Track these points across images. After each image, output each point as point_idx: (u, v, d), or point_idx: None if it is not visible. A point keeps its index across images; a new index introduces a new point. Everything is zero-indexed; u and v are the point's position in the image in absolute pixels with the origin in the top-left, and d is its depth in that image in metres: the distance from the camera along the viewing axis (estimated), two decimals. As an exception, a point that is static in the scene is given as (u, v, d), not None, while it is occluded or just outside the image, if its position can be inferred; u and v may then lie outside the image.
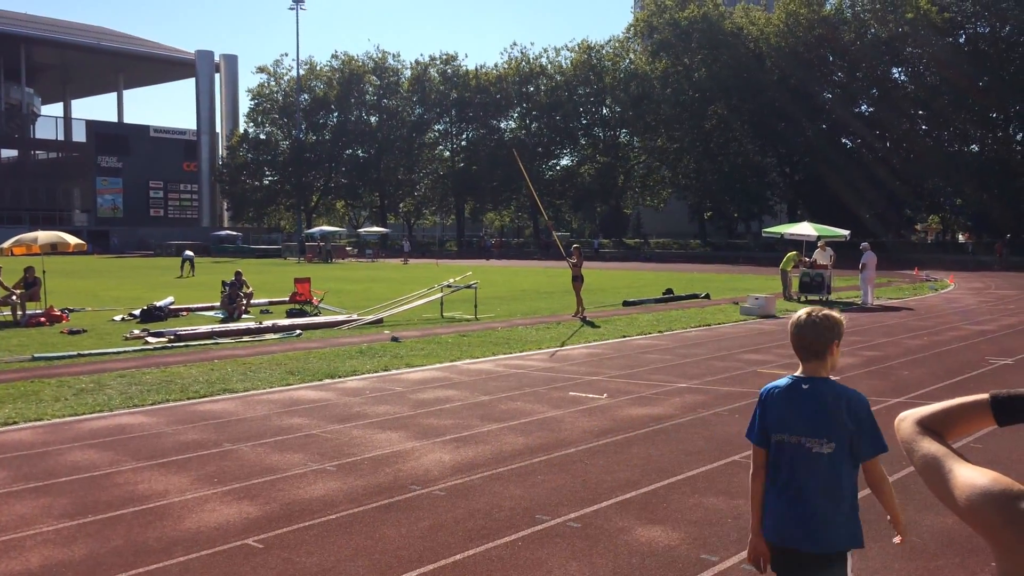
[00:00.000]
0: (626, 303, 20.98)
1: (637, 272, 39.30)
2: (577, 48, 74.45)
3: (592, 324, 16.39)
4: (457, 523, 5.13)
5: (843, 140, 60.75)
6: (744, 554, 4.65)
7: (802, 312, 3.11)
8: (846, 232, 24.13)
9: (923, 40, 53.73)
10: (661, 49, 65.51)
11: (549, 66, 76.26)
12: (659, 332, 15.16)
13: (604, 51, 73.35)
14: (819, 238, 22.99)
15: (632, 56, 71.40)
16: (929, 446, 1.33)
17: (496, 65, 79.58)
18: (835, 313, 3.13)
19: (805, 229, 23.54)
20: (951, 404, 1.39)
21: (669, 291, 23.46)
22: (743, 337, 14.56)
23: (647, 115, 66.34)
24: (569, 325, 16.28)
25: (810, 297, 21.67)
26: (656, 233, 78.38)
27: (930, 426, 1.37)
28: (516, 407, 8.57)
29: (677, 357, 12.08)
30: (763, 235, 27.24)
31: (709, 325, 16.34)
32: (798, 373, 3.09)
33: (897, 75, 58.34)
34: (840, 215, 47.63)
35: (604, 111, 74.70)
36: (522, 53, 77.94)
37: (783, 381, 3.09)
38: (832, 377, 3.09)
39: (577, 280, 17.96)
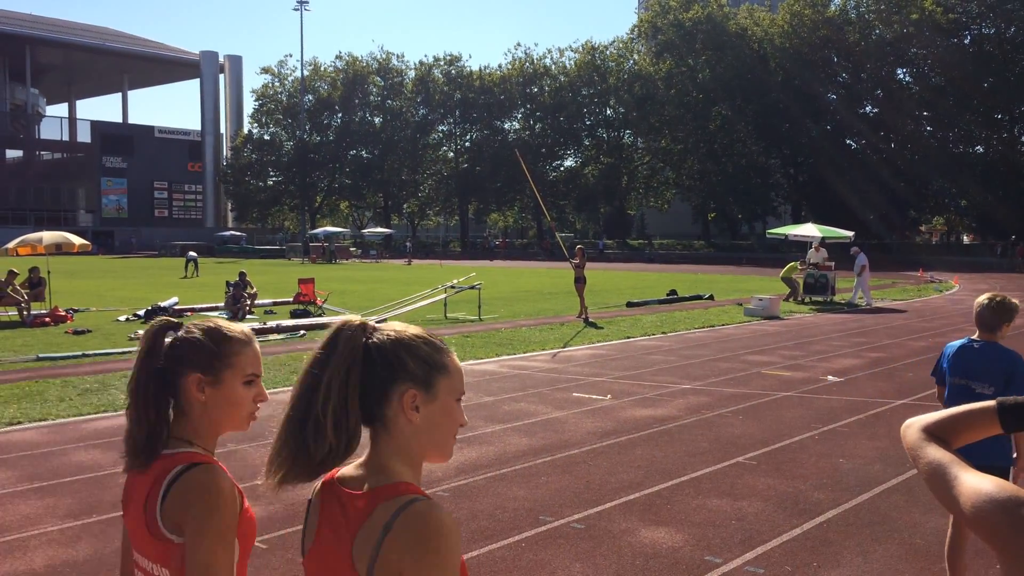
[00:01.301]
0: (630, 304, 20.96)
1: (641, 273, 39.28)
2: (581, 49, 74.47)
3: (595, 325, 16.38)
4: (461, 524, 5.12)
5: (847, 141, 60.65)
6: (749, 555, 4.66)
7: (984, 297, 4.18)
8: (850, 233, 24.10)
9: (928, 41, 53.64)
10: (665, 50, 65.49)
11: (553, 67, 76.28)
12: (663, 333, 15.15)
13: (608, 52, 73.35)
14: (823, 239, 22.97)
15: (636, 57, 71.39)
16: (935, 453, 1.33)
17: (500, 66, 79.57)
18: (1012, 300, 4.17)
19: (809, 230, 23.52)
20: (957, 411, 1.39)
21: (673, 292, 23.44)
22: (747, 338, 14.54)
23: (651, 116, 66.32)
24: (573, 326, 16.28)
25: (814, 298, 21.64)
26: (660, 234, 78.35)
27: (936, 433, 1.37)
28: (520, 408, 8.57)
29: (681, 358, 12.07)
30: (767, 236, 27.23)
31: (713, 326, 16.33)
32: (974, 337, 4.20)
33: (902, 76, 58.26)
34: (844, 216, 47.58)
35: (608, 112, 74.68)
36: (526, 54, 78.05)
37: (960, 341, 4.27)
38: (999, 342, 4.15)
39: (580, 281, 17.85)
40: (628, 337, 14.51)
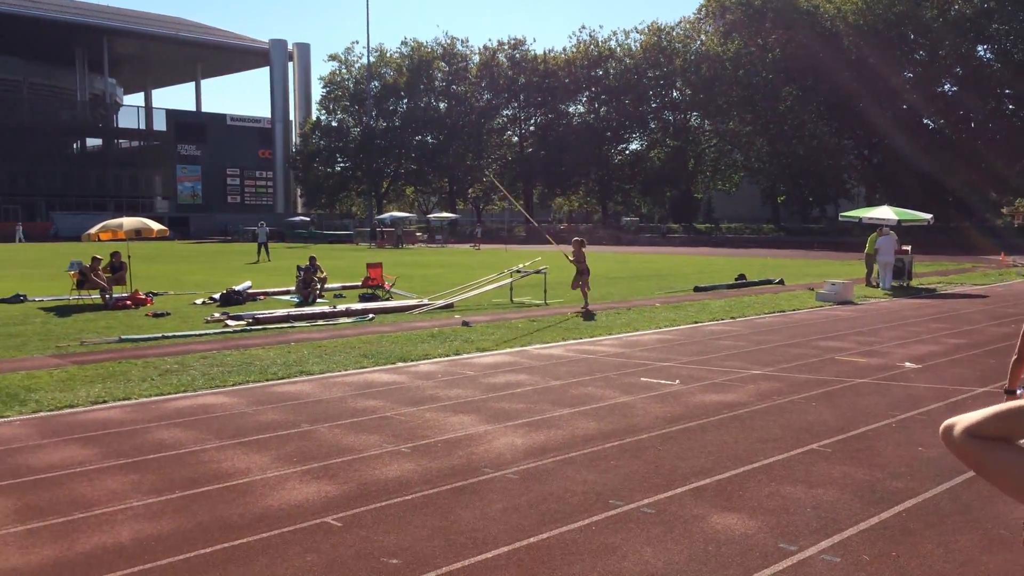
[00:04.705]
0: (697, 289, 20.71)
1: (708, 257, 38.76)
2: (647, 30, 73.46)
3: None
4: (531, 506, 5.15)
5: (924, 121, 58.58)
6: (824, 543, 4.57)
7: None
8: (928, 216, 23.33)
9: (1010, 16, 51.39)
10: (733, 30, 64.12)
11: (618, 49, 75.46)
12: (731, 318, 14.93)
13: (674, 33, 72.22)
14: (899, 222, 22.30)
15: (703, 38, 70.10)
16: (1006, 452, 1.28)
17: (564, 49, 79.00)
18: None
19: (885, 213, 22.84)
20: (1004, 408, 1.33)
21: (741, 277, 23.07)
22: (819, 324, 14.24)
23: (718, 97, 65.09)
24: (639, 311, 16.15)
25: (892, 283, 21.05)
26: (727, 218, 77.10)
27: (993, 434, 1.32)
28: (587, 392, 8.55)
29: (750, 343, 11.88)
30: (840, 219, 26.47)
31: (783, 311, 16.02)
32: None
33: (982, 53, 55.93)
34: (921, 198, 46.09)
35: (674, 94, 73.62)
36: (591, 36, 77.35)
37: None
38: None
39: (584, 274, 16.41)
40: (696, 322, 14.34)
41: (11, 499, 5.27)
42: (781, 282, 22.65)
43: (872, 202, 53.63)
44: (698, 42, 70.46)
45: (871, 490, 5.47)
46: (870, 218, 23.32)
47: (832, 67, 56.74)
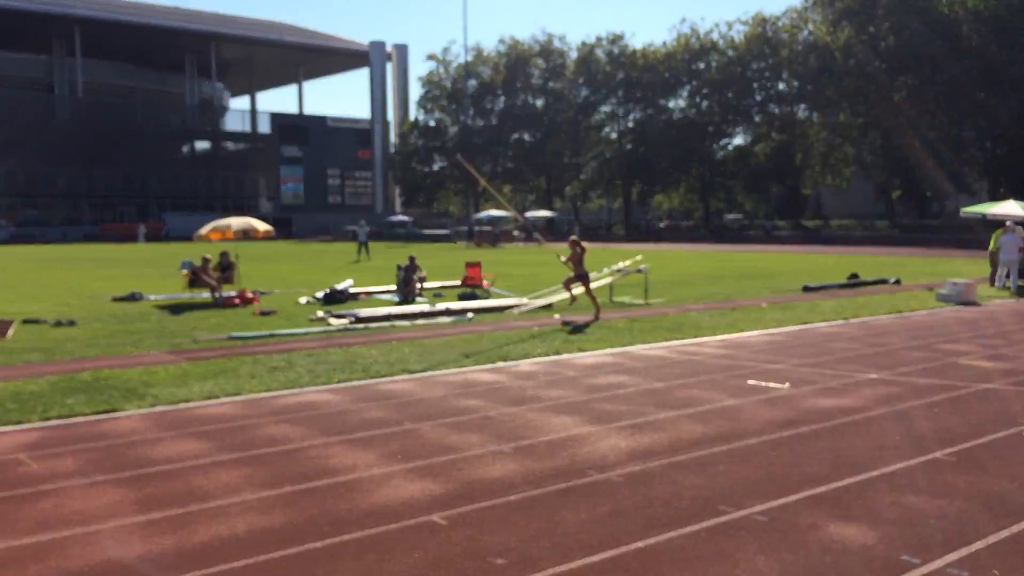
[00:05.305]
0: (806, 288, 20.03)
1: (817, 256, 37.54)
2: (751, 21, 71.56)
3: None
4: (637, 510, 5.03)
5: (1054, 110, 55.15)
6: (951, 556, 4.30)
7: None
8: (1059, 211, 21.92)
9: None
10: (844, 18, 61.70)
11: (721, 41, 73.79)
12: (844, 319, 14.37)
13: (780, 23, 70.13)
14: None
15: (811, 27, 67.78)
16: None
17: (664, 43, 77.81)
18: None
19: (1011, 208, 21.58)
20: None
21: (854, 276, 22.23)
22: (940, 325, 13.55)
23: (828, 88, 62.76)
24: (745, 311, 15.72)
25: (1019, 283, 19.86)
26: (837, 214, 74.40)
27: None
28: (692, 394, 8.34)
29: (866, 346, 11.38)
30: (961, 215, 25.12)
31: (901, 312, 15.31)
32: None
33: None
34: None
35: (780, 86, 71.49)
36: (692, 29, 75.78)
37: None
38: None
39: (583, 279, 15.06)
40: (806, 323, 13.85)
41: (133, 490, 5.48)
42: (897, 282, 21.68)
43: (996, 197, 50.84)
44: (805, 32, 68.22)
45: (1000, 502, 5.13)
46: (994, 214, 22.08)
47: (950, 55, 53.98)
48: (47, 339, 12.43)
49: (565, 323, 13.91)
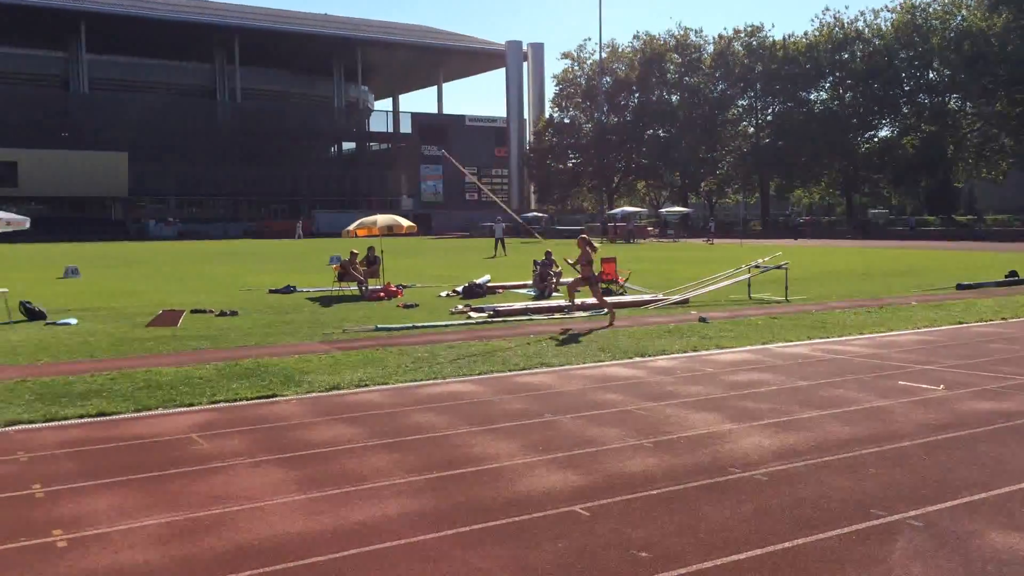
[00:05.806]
0: (960, 286, 18.96)
1: (971, 252, 35.37)
2: (899, 8, 68.13)
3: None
4: (783, 510, 4.96)
5: None
6: None
7: None
8: None
9: None
10: (1000, 2, 57.79)
11: (866, 30, 70.55)
12: (1003, 319, 13.53)
13: (931, 9, 66.39)
14: None
15: (964, 12, 63.84)
16: None
17: (806, 33, 75.00)
18: None
19: None
20: None
21: (1013, 273, 20.85)
22: (1112, 327, 12.56)
23: (983, 77, 58.95)
24: (892, 309, 15.04)
25: None
26: (992, 209, 69.70)
27: None
28: (838, 394, 8.10)
29: (1027, 347, 10.70)
30: None
31: (1066, 312, 14.29)
32: None
33: None
34: None
35: (930, 75, 67.64)
36: (835, 18, 72.84)
37: None
38: None
39: (591, 282, 13.96)
40: (961, 322, 13.14)
41: (294, 470, 5.85)
42: (1061, 280, 20.22)
43: None
44: (958, 18, 64.29)
45: None
46: None
47: None
48: (212, 328, 13.34)
49: (702, 319, 13.71)
